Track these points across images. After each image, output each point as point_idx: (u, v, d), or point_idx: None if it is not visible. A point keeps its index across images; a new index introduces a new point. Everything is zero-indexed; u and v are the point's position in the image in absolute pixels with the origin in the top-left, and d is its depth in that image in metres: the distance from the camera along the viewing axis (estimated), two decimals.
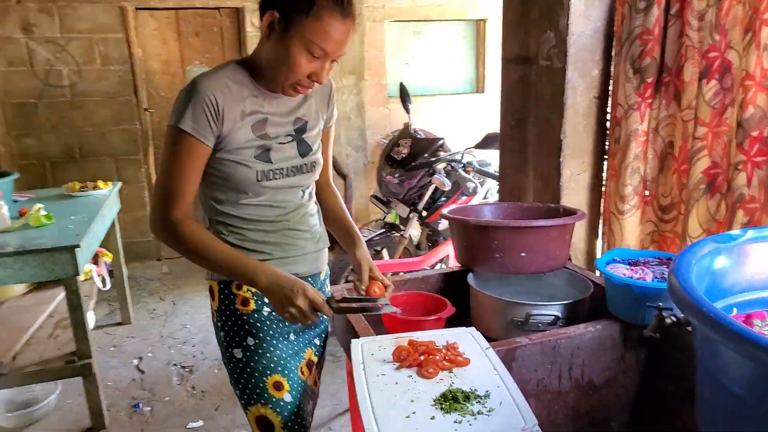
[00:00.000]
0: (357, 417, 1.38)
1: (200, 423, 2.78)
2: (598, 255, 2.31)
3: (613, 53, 2.09)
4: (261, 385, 1.46)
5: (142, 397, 3.01)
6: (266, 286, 1.34)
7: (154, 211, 1.37)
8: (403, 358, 1.38)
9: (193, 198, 1.38)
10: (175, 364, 3.33)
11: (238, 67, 1.38)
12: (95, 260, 3.64)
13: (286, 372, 1.48)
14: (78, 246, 2.50)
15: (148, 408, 2.92)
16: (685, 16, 1.86)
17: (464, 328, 1.57)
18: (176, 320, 3.93)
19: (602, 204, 2.24)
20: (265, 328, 1.48)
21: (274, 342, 1.48)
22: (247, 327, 1.46)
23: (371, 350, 1.46)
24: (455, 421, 1.18)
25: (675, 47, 1.92)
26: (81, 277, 3.41)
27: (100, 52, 4.57)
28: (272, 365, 1.47)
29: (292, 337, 1.54)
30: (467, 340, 1.51)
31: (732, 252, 1.24)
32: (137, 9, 4.60)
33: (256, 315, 1.47)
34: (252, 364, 1.45)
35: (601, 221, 2.24)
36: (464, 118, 5.55)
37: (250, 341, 1.46)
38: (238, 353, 1.46)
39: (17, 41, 4.41)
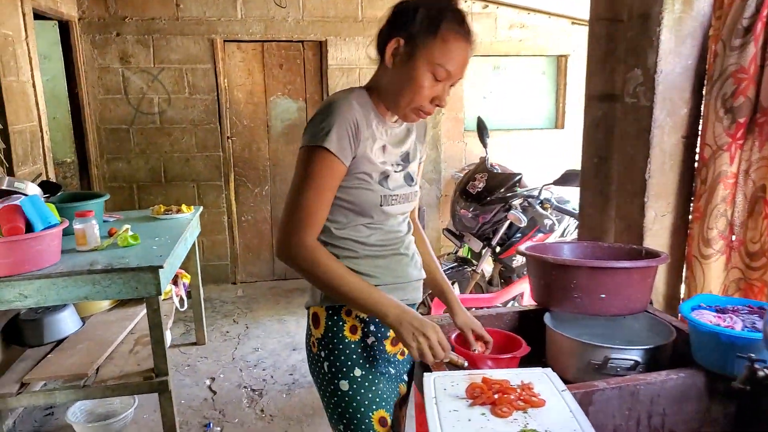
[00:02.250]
0: None
1: None
2: (680, 300, 2.20)
3: (703, 92, 2.02)
4: (367, 420, 1.42)
5: (213, 417, 3.08)
6: (396, 317, 1.32)
7: (286, 234, 1.34)
8: (476, 396, 1.36)
9: (324, 221, 1.38)
10: (245, 387, 3.40)
11: (363, 93, 1.41)
12: (174, 281, 3.79)
13: (389, 408, 1.46)
14: (161, 267, 2.61)
15: (219, 428, 2.98)
16: None
17: (540, 368, 1.53)
18: (248, 343, 4.02)
19: (686, 247, 2.15)
20: (371, 359, 1.45)
21: (379, 375, 1.46)
22: (355, 357, 1.43)
23: (444, 385, 1.44)
24: None
25: None
26: (161, 297, 3.58)
27: (189, 82, 4.83)
28: (377, 399, 1.43)
29: (392, 370, 1.51)
30: (543, 380, 1.47)
31: None
32: (225, 41, 4.86)
33: (362, 345, 1.44)
34: (358, 397, 1.42)
35: (684, 265, 2.15)
36: (542, 154, 5.49)
37: (357, 372, 1.42)
38: (344, 385, 1.42)
39: (115, 71, 4.74)
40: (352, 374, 1.42)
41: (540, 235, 3.38)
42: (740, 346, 1.45)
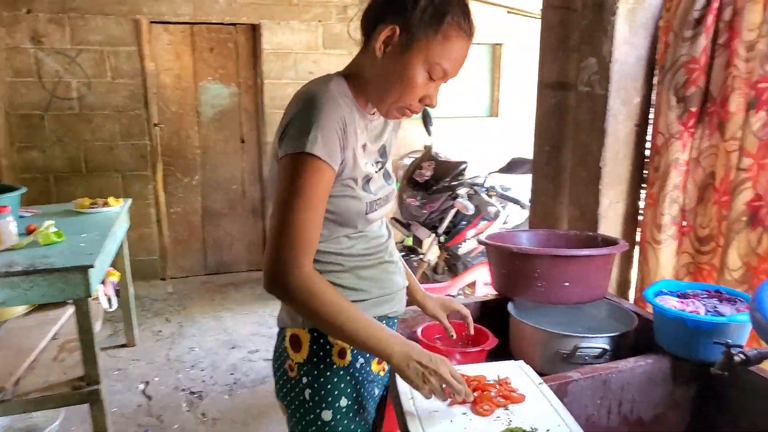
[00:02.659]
0: None
1: None
2: (632, 285, 2.25)
3: (654, 81, 2.06)
4: None
5: (150, 424, 2.91)
6: (402, 356, 1.16)
7: (279, 261, 1.12)
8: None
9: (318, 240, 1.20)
10: (183, 390, 3.23)
11: (343, 82, 1.23)
12: (102, 280, 3.55)
13: None
14: (92, 266, 2.41)
15: None
16: (734, 46, 1.83)
17: (513, 361, 1.51)
18: (183, 343, 3.83)
19: (639, 233, 2.19)
20: (358, 386, 1.32)
21: (364, 404, 1.34)
22: (342, 385, 1.29)
23: None
24: None
25: (721, 77, 1.89)
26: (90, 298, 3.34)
27: (111, 65, 4.52)
28: (359, 431, 1.33)
29: (376, 391, 1.41)
30: (518, 374, 1.44)
31: None
32: (151, 22, 4.57)
33: (351, 370, 1.31)
34: (340, 429, 1.29)
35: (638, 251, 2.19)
36: (478, 142, 5.53)
37: (344, 402, 1.29)
38: (327, 415, 1.28)
39: (25, 51, 4.36)
40: (337, 404, 1.29)
41: (484, 222, 3.40)
42: (706, 331, 1.48)
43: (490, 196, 3.23)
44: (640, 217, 2.21)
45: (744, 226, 1.81)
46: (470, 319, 1.62)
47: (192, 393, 3.19)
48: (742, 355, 1.33)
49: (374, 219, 1.31)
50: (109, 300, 3.48)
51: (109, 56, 4.50)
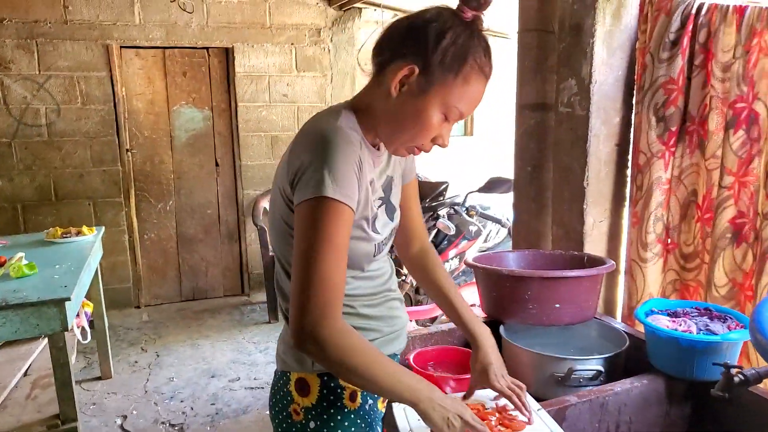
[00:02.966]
0: None
1: None
2: (619, 304, 2.27)
3: (633, 101, 2.09)
4: None
5: None
6: (428, 401, 1.11)
7: (307, 318, 1.04)
8: None
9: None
10: (163, 422, 3.13)
11: (352, 117, 1.17)
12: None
13: None
14: (68, 299, 2.34)
15: None
16: (710, 67, 1.87)
17: None
18: (161, 373, 3.72)
19: (626, 252, 2.21)
20: (367, 428, 1.28)
21: None
22: (353, 429, 1.25)
23: (416, 415, 1.36)
24: None
25: (699, 97, 1.93)
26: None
27: (82, 91, 4.43)
28: None
29: (379, 429, 1.36)
30: None
31: None
32: (122, 47, 4.50)
33: (361, 412, 1.27)
34: None
35: (623, 270, 2.21)
36: (454, 161, 5.54)
37: None
38: None
39: None
40: None
41: (465, 242, 3.40)
42: (699, 350, 1.49)
43: (470, 216, 3.24)
44: (624, 236, 2.23)
45: (728, 243, 1.83)
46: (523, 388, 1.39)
47: (172, 425, 3.09)
48: (741, 376, 1.33)
49: (380, 259, 1.27)
50: (83, 331, 3.38)
51: (79, 81, 4.41)
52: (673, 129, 1.98)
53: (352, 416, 1.25)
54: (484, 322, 1.89)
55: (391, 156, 1.29)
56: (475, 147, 5.60)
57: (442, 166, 5.42)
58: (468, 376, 1.65)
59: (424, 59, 1.07)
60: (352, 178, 1.07)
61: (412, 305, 3.30)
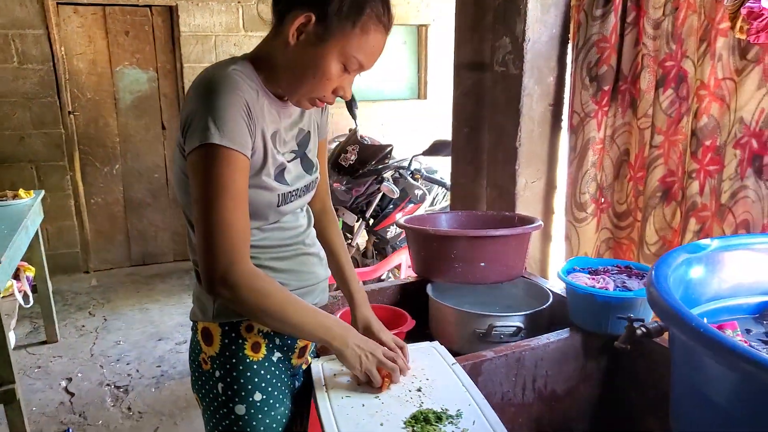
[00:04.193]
0: None
1: None
2: (551, 263, 2.30)
3: (568, 60, 2.09)
4: None
5: (73, 421, 2.79)
6: (341, 339, 1.18)
7: (215, 265, 1.07)
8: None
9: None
10: (108, 384, 3.11)
11: (247, 66, 1.15)
12: (16, 275, 3.36)
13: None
14: None
15: None
16: (642, 25, 1.87)
17: (428, 342, 1.51)
18: (108, 337, 3.69)
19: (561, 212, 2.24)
20: (274, 380, 1.28)
21: (281, 397, 1.29)
22: (257, 379, 1.25)
23: (334, 370, 1.38)
24: None
25: (631, 55, 1.93)
26: (0, 295, 3.17)
27: (17, 50, 4.24)
28: (274, 425, 1.28)
29: (297, 383, 1.38)
30: (432, 354, 1.45)
31: (702, 261, 1.24)
32: (59, 4, 4.31)
33: (266, 364, 1.27)
34: (254, 422, 1.25)
35: (563, 229, 2.23)
36: (407, 125, 5.51)
37: (258, 396, 1.25)
38: (240, 410, 1.24)
39: None
40: (251, 398, 1.25)
41: (411, 205, 3.41)
42: (614, 306, 1.52)
43: (415, 179, 3.23)
44: (558, 195, 2.25)
45: (659, 202, 1.86)
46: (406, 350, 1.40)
47: (117, 387, 3.08)
48: (643, 329, 1.37)
49: (288, 211, 1.25)
50: (25, 296, 3.32)
51: (14, 40, 4.21)
52: (606, 88, 1.98)
53: (255, 367, 1.25)
54: (415, 282, 1.95)
55: (304, 112, 1.29)
56: (428, 110, 5.57)
57: (394, 130, 5.40)
58: (393, 332, 1.68)
59: (321, 8, 1.06)
60: (240, 124, 1.06)
61: (359, 267, 3.31)
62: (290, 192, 1.22)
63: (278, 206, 1.21)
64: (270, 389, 1.27)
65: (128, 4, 4.46)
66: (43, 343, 3.61)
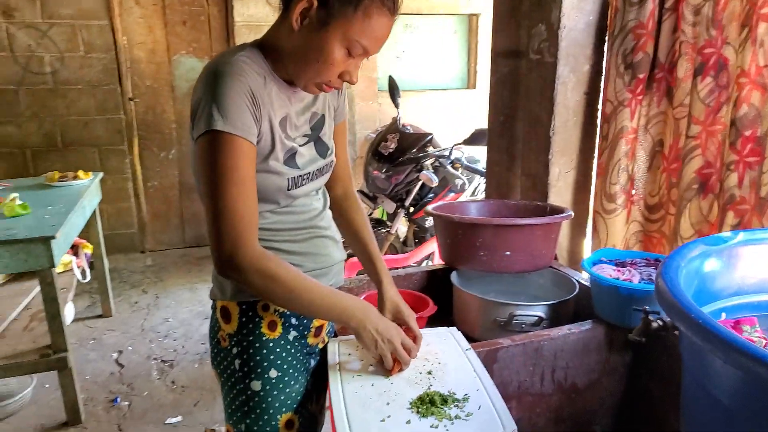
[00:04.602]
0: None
1: (179, 418, 2.72)
2: (585, 255, 2.26)
3: (605, 48, 2.04)
4: (273, 422, 1.29)
5: (121, 391, 2.95)
6: (359, 321, 1.21)
7: (223, 247, 1.10)
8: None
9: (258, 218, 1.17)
10: (155, 358, 3.27)
11: (256, 52, 1.17)
12: (75, 252, 3.57)
13: (300, 409, 1.34)
14: (53, 237, 2.43)
15: (126, 402, 2.86)
16: (681, 10, 1.81)
17: (445, 328, 1.52)
18: (158, 314, 3.86)
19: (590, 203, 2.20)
20: (290, 358, 1.32)
21: (296, 375, 1.33)
22: (272, 357, 1.29)
23: (348, 350, 1.41)
24: (431, 426, 1.14)
25: (669, 42, 1.87)
26: (59, 269, 3.37)
27: (84, 39, 4.46)
28: (289, 401, 1.31)
29: (313, 362, 1.40)
30: (448, 339, 1.46)
31: (722, 255, 1.20)
32: None
33: (282, 342, 1.30)
34: (269, 399, 1.29)
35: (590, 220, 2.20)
36: (455, 114, 5.48)
37: (273, 373, 1.28)
38: (256, 386, 1.28)
39: None
40: (266, 375, 1.28)
41: (452, 194, 3.40)
42: (638, 299, 1.49)
43: (455, 168, 3.22)
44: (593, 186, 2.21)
45: (695, 194, 1.80)
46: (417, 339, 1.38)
47: (163, 362, 3.23)
48: (660, 321, 1.34)
49: (300, 195, 1.27)
50: (83, 272, 3.52)
51: (81, 30, 4.43)
52: (641, 76, 1.93)
53: (271, 344, 1.29)
54: (442, 269, 1.96)
55: (318, 96, 1.30)
56: (478, 100, 5.51)
57: (442, 119, 5.37)
58: (416, 315, 1.70)
59: None
60: (243, 110, 1.08)
61: (396, 254, 3.34)
62: (301, 176, 1.24)
63: (288, 190, 1.23)
64: (285, 367, 1.30)
65: None
66: (99, 317, 3.81)
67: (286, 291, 1.14)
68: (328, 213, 1.41)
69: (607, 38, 2.03)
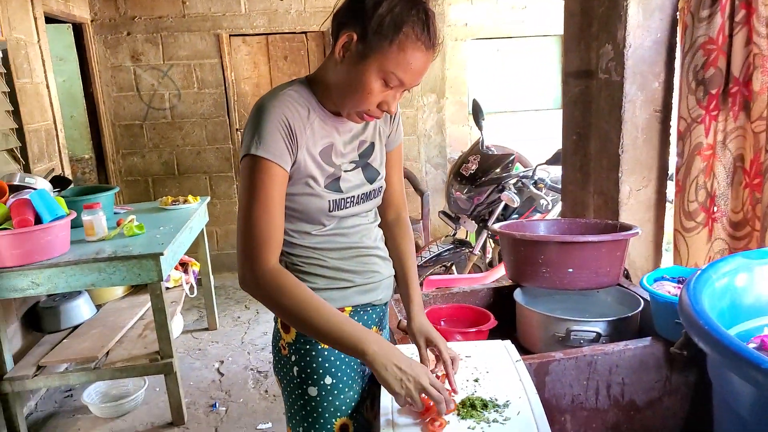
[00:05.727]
0: None
1: (269, 425, 2.91)
2: None
3: (677, 65, 2.02)
4: (328, 426, 1.36)
5: (219, 397, 3.19)
6: (377, 357, 1.17)
7: (245, 260, 1.20)
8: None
9: (282, 238, 1.25)
10: (251, 369, 3.51)
11: (303, 87, 1.28)
12: (185, 269, 3.92)
13: (354, 415, 1.39)
14: (162, 254, 2.71)
15: (224, 408, 3.09)
16: (752, 23, 1.77)
17: (500, 340, 1.57)
18: (258, 328, 4.13)
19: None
20: (344, 366, 1.37)
21: (350, 382, 1.38)
22: (327, 365, 1.35)
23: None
24: (469, 428, 1.20)
25: (742, 56, 1.82)
26: (170, 284, 3.72)
27: (197, 77, 4.94)
28: (344, 407, 1.37)
29: (368, 370, 1.40)
30: (500, 352, 1.51)
31: (763, 270, 1.18)
32: (231, 36, 4.94)
33: (336, 350, 1.33)
34: (325, 404, 1.35)
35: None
36: (549, 135, 5.41)
37: (328, 380, 1.35)
38: (312, 391, 1.35)
39: (127, 69, 4.87)
40: (322, 382, 1.35)
41: (537, 215, 3.39)
42: None
43: (539, 189, 3.22)
44: (669, 204, 2.17)
45: None
46: (454, 362, 1.37)
47: (259, 372, 3.46)
48: None
49: (344, 215, 1.34)
50: (191, 287, 3.85)
51: (195, 69, 4.92)
52: (714, 92, 1.89)
53: (326, 353, 1.35)
54: (507, 287, 2.00)
55: (368, 124, 1.38)
56: None
57: (537, 140, 5.33)
58: (473, 329, 1.76)
59: (362, 26, 1.15)
60: (277, 138, 1.18)
61: (477, 273, 3.37)
62: (344, 199, 1.32)
63: (330, 211, 1.30)
64: (339, 374, 1.36)
65: (287, 32, 4.97)
66: (205, 329, 4.13)
67: (295, 311, 1.19)
68: (377, 231, 1.48)
69: (678, 55, 2.01)
